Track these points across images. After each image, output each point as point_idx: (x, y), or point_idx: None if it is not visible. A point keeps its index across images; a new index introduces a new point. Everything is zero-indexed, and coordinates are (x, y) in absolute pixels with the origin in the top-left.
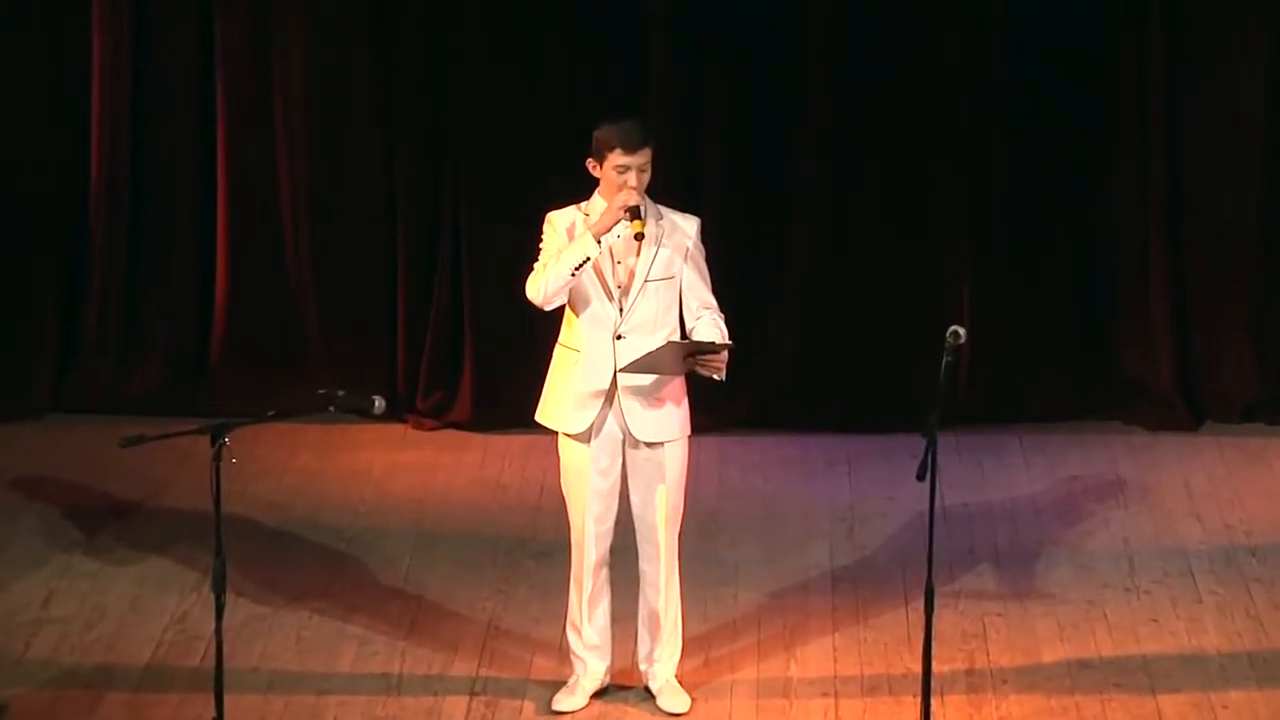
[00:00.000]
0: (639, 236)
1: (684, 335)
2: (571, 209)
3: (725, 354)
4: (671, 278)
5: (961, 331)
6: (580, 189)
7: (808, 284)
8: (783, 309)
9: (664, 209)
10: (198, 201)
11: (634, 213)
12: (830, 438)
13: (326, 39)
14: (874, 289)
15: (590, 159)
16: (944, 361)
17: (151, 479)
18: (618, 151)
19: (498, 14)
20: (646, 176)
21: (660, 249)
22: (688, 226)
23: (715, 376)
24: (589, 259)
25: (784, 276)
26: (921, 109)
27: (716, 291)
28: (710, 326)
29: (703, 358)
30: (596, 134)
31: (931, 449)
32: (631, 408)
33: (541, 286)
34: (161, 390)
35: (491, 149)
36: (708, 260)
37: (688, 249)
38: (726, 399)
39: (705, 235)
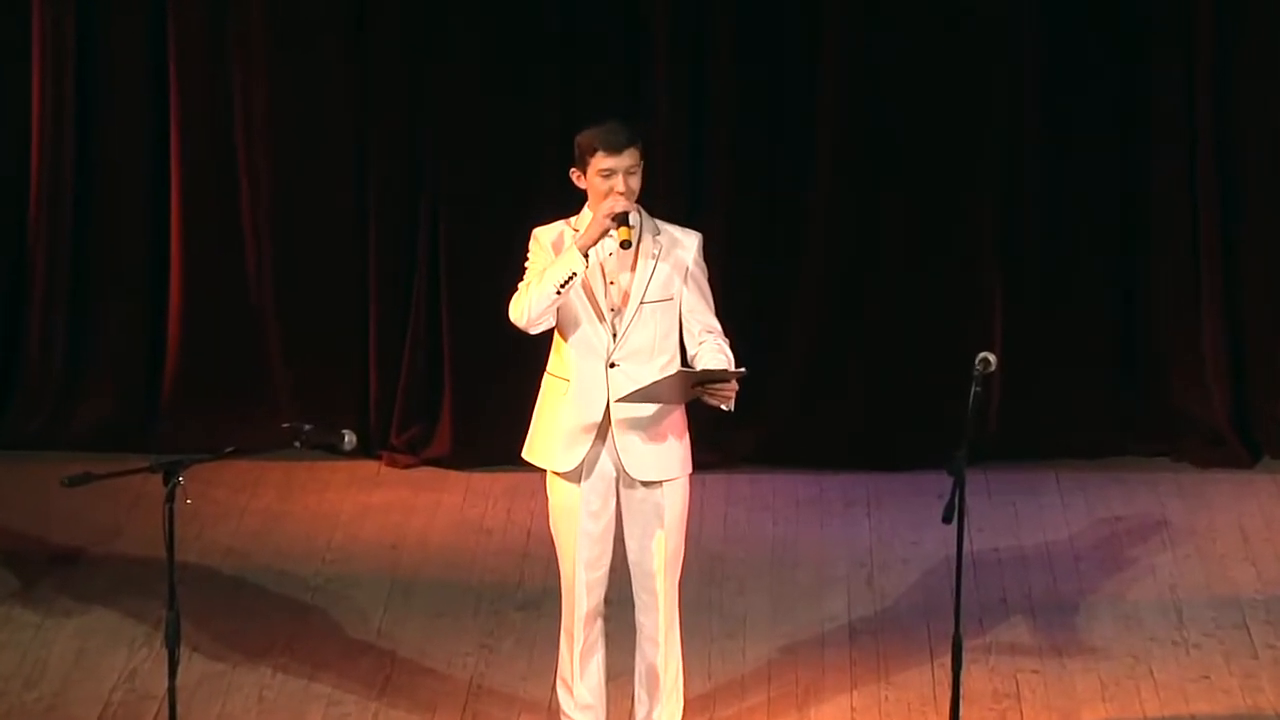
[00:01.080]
0: (626, 244)
1: (684, 362)
2: (559, 224)
3: (735, 382)
4: (670, 299)
5: (991, 358)
6: (571, 204)
7: (823, 306)
8: (795, 334)
9: (662, 224)
10: (149, 217)
11: (621, 220)
12: (848, 476)
13: (290, 35)
14: (895, 311)
15: (573, 168)
16: (972, 391)
17: (98, 522)
18: (600, 154)
19: (481, 14)
20: (636, 181)
21: (658, 267)
22: (688, 243)
23: (724, 407)
24: (575, 275)
25: (797, 298)
26: (948, 115)
27: (721, 314)
28: (715, 353)
29: (711, 386)
30: (577, 139)
31: (959, 488)
32: (627, 443)
33: (525, 307)
34: (109, 424)
35: (474, 159)
36: (711, 280)
37: (687, 268)
38: (732, 433)
39: (708, 253)
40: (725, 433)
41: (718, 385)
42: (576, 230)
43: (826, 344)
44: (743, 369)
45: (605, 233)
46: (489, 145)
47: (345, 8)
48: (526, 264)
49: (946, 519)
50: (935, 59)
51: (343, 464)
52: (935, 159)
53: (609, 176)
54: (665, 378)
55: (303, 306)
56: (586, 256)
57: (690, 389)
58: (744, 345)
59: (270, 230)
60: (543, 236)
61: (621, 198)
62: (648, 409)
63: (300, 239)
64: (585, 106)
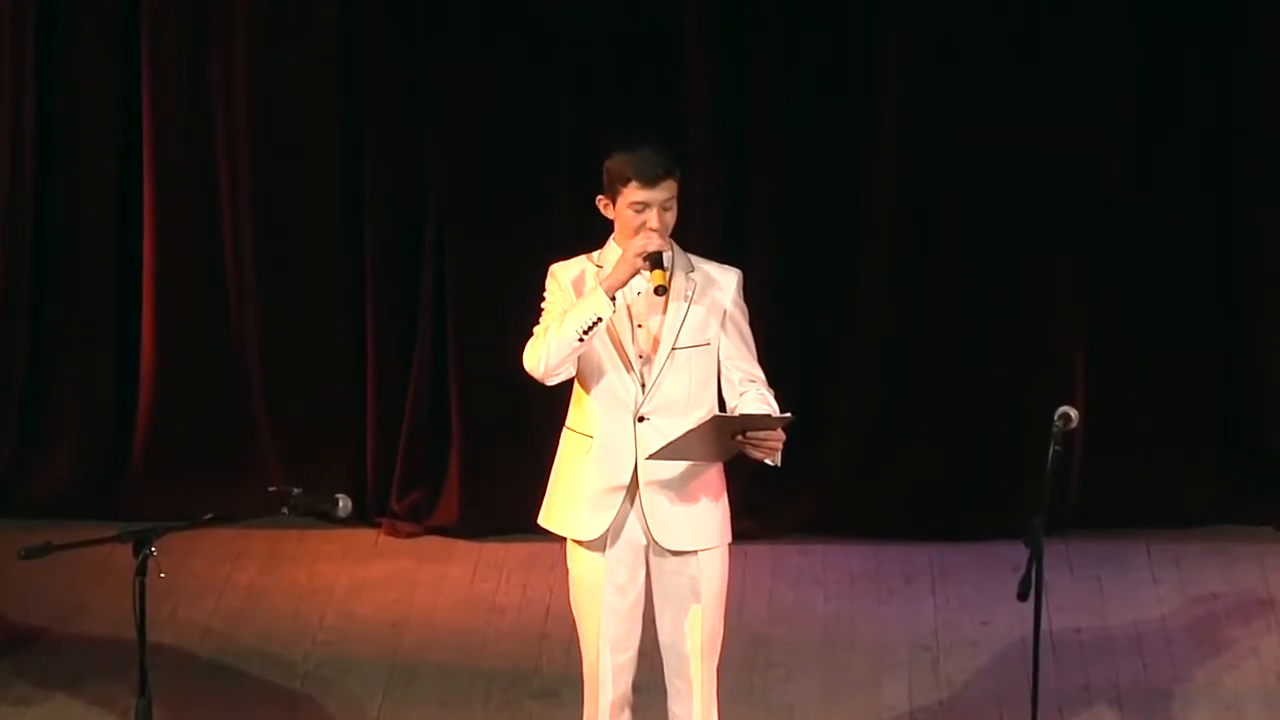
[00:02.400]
0: (661, 290)
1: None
2: (580, 259)
3: (781, 431)
4: (706, 344)
5: (1073, 413)
6: (593, 236)
7: (882, 353)
8: (849, 386)
9: (697, 259)
10: (117, 253)
11: (655, 261)
12: (909, 547)
13: (275, 44)
14: (963, 362)
15: (601, 196)
16: (1051, 450)
17: (59, 599)
18: (633, 185)
19: (491, 16)
20: (671, 216)
21: (692, 309)
22: (726, 281)
23: (769, 461)
24: (600, 320)
25: (852, 344)
26: (1026, 142)
27: (764, 362)
28: (758, 402)
29: (753, 435)
30: (607, 165)
31: (1036, 560)
32: (658, 507)
33: (542, 355)
34: (72, 488)
35: (482, 186)
36: (753, 323)
37: (725, 309)
38: (778, 497)
39: (748, 293)
40: (770, 496)
41: (760, 434)
42: (601, 267)
43: (885, 398)
44: (789, 414)
45: (635, 274)
46: (500, 171)
47: (330, 12)
48: (543, 305)
49: (1022, 595)
50: (1009, 87)
51: (336, 533)
52: (1007, 194)
53: (642, 210)
54: (699, 426)
55: (291, 354)
56: (613, 299)
57: (729, 440)
58: (791, 399)
59: (254, 267)
60: (561, 274)
61: (655, 235)
62: (681, 468)
63: (288, 281)
64: (610, 117)
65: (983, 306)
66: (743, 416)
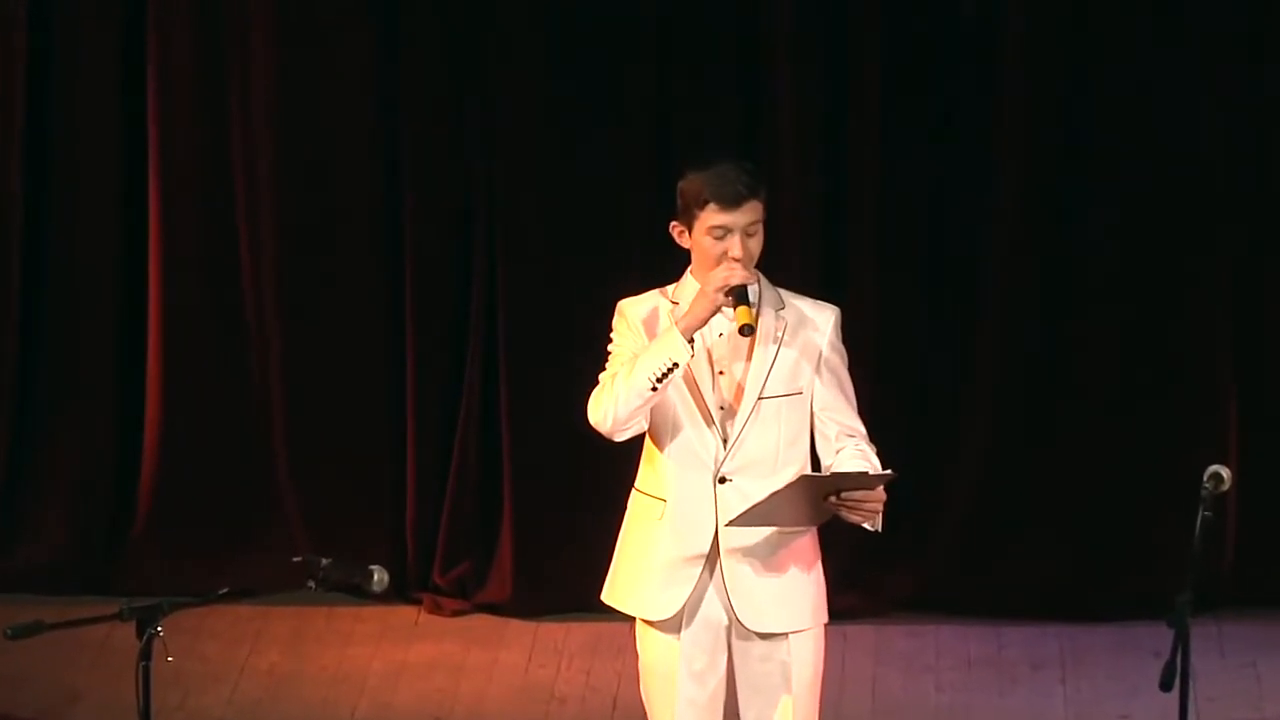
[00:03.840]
0: (747, 330)
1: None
2: (653, 295)
3: (881, 490)
4: (798, 393)
5: (1225, 474)
6: (668, 271)
7: (1002, 403)
8: (965, 444)
9: (788, 295)
10: (119, 292)
11: (739, 296)
12: (1035, 628)
13: (303, 55)
14: (1096, 419)
15: (674, 222)
16: (1200, 517)
17: (51, 686)
18: (711, 208)
19: (552, 13)
20: (757, 244)
21: (782, 352)
22: (822, 320)
23: (868, 525)
24: (676, 366)
25: (969, 392)
26: (1167, 178)
27: (864, 414)
28: (856, 459)
29: (849, 496)
30: (681, 186)
31: (1182, 644)
32: (741, 582)
33: (609, 407)
34: (66, 559)
35: (540, 212)
36: (852, 369)
37: (821, 353)
38: (884, 569)
39: (847, 335)
40: (874, 568)
41: (857, 495)
42: (676, 304)
43: (1006, 457)
44: (891, 471)
45: (716, 311)
46: (557, 189)
47: (363, 13)
48: (610, 348)
49: (1166, 685)
50: (1150, 116)
51: (371, 610)
52: (1152, 225)
53: (722, 237)
54: (786, 487)
55: (320, 404)
56: (691, 341)
57: (821, 503)
58: (896, 456)
59: (278, 311)
60: (631, 312)
61: (739, 266)
62: (768, 536)
63: (317, 324)
64: (689, 134)
65: (1121, 348)
66: (836, 475)
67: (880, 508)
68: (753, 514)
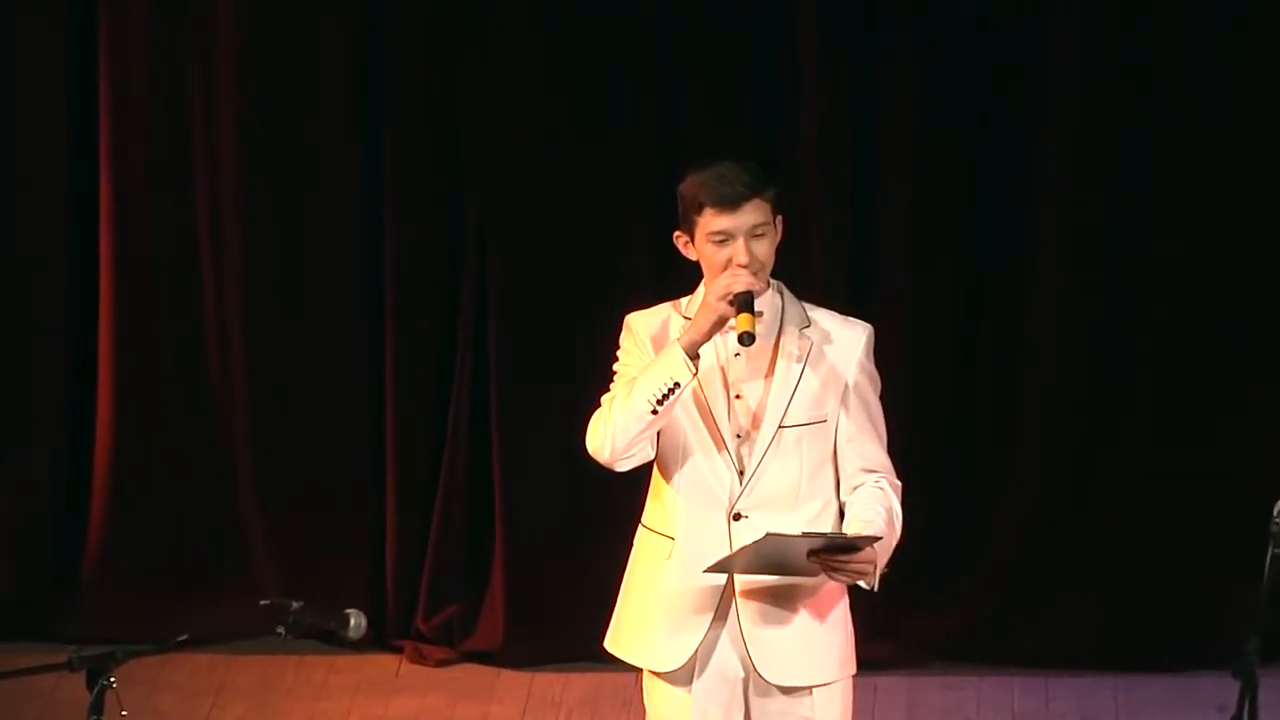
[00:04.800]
0: (746, 339)
1: (841, 512)
2: (664, 308)
3: (870, 549)
4: (823, 420)
5: None
6: (680, 285)
7: (1049, 438)
8: (1011, 468)
9: (814, 310)
10: (66, 307)
11: (743, 303)
12: (1087, 679)
13: (268, 45)
14: (1158, 440)
15: (677, 231)
16: (1270, 555)
17: None
18: (710, 212)
19: (553, 21)
20: (765, 247)
21: (806, 375)
22: (851, 339)
23: (863, 584)
24: (678, 386)
25: (1015, 421)
26: (1244, 184)
27: (895, 445)
28: (866, 504)
29: (828, 558)
30: (680, 190)
31: (1250, 696)
32: (759, 629)
33: (607, 434)
34: (8, 603)
35: (537, 219)
36: (883, 395)
37: (850, 377)
38: (918, 615)
39: (880, 354)
40: (908, 614)
41: (834, 556)
42: (689, 319)
43: (1057, 489)
44: (874, 534)
45: (722, 324)
46: (555, 194)
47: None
48: (616, 366)
49: None
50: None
51: (347, 659)
52: (1211, 226)
53: (724, 243)
54: (748, 546)
55: (289, 429)
56: (697, 359)
57: (805, 561)
58: (933, 488)
59: (241, 325)
60: (639, 326)
61: (744, 271)
62: (788, 580)
63: (286, 339)
64: (705, 133)
65: (1177, 368)
66: (805, 536)
67: (868, 569)
68: (729, 563)
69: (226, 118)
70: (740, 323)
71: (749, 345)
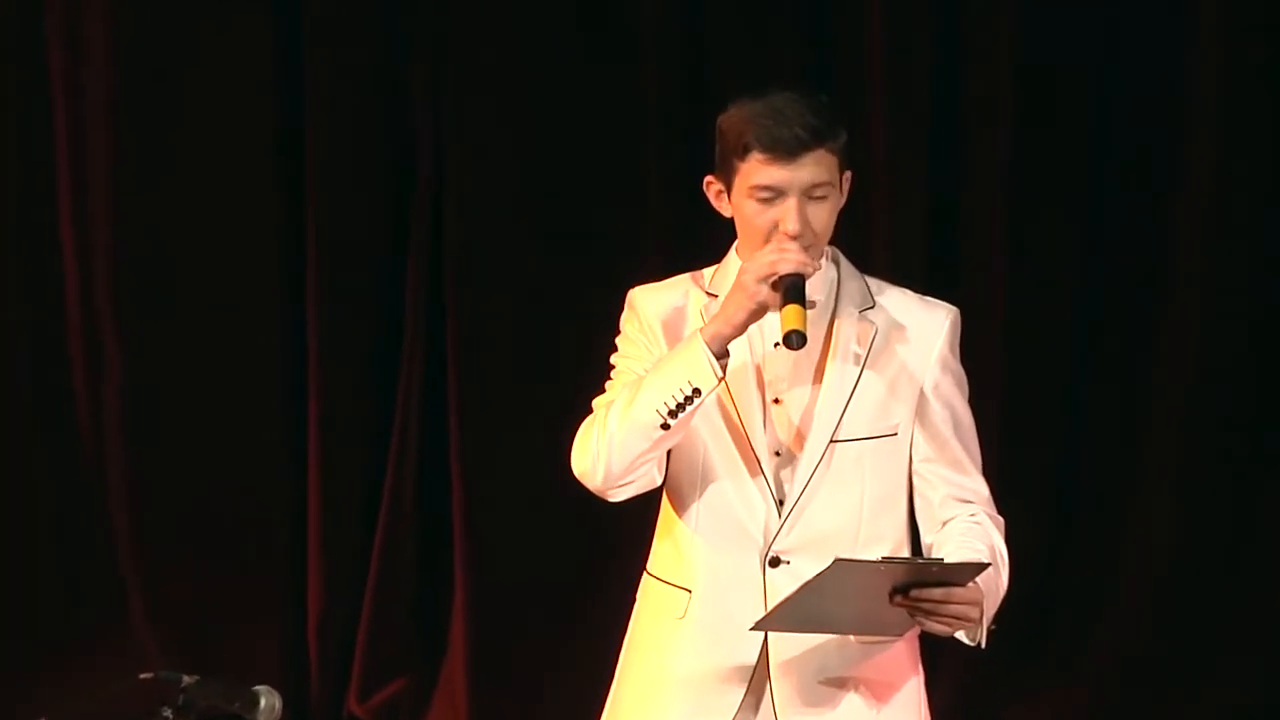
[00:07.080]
0: (794, 340)
1: (916, 555)
2: (680, 281)
3: (975, 586)
4: (892, 434)
5: None
6: (695, 255)
7: (1191, 461)
8: (1136, 516)
9: (880, 286)
10: None
11: (791, 290)
12: None
13: (160, 42)
14: None
15: (710, 177)
16: None
17: None
18: (757, 158)
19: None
20: (824, 214)
21: (867, 374)
22: (930, 326)
23: (963, 638)
24: (698, 394)
25: (1144, 450)
26: None
27: (990, 464)
28: (964, 537)
29: (922, 594)
30: (721, 122)
31: None
32: (801, 713)
33: (601, 452)
34: None
35: (504, 162)
36: (972, 400)
37: (926, 379)
38: (1014, 699)
39: (966, 347)
40: (1002, 698)
41: (935, 594)
42: (714, 296)
43: (1195, 542)
44: (983, 560)
45: (760, 313)
46: (535, 142)
47: None
48: (613, 358)
49: None
50: None
51: None
52: None
53: (770, 200)
54: (817, 577)
55: (177, 466)
56: (725, 357)
57: (887, 602)
58: (1032, 537)
59: (119, 335)
60: (646, 304)
61: (793, 246)
62: (839, 644)
63: (175, 351)
64: (721, 72)
65: None
66: (888, 562)
67: (974, 612)
68: (779, 615)
69: (100, 90)
70: (787, 317)
71: (798, 347)
